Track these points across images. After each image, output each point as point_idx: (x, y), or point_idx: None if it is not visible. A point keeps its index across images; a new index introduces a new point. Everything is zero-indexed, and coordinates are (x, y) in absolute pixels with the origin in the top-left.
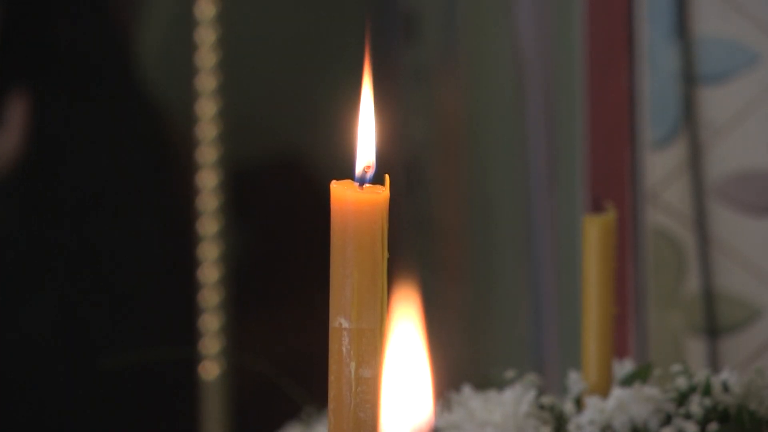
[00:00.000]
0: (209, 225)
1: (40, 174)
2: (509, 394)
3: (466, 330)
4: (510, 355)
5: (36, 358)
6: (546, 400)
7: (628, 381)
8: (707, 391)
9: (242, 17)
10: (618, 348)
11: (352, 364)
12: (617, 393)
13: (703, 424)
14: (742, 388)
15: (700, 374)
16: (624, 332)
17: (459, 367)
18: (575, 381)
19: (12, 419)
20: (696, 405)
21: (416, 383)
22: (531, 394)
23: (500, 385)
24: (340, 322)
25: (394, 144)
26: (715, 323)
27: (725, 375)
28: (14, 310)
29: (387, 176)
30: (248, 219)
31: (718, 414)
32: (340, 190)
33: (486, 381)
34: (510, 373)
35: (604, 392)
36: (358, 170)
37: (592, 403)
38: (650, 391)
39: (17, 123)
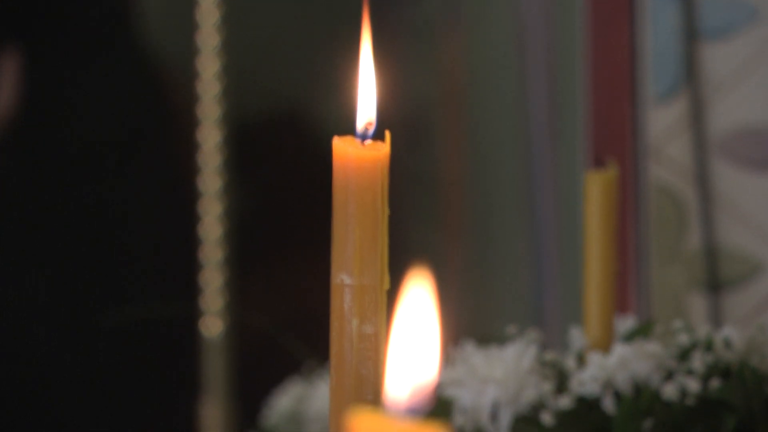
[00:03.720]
0: (211, 182)
1: (38, 132)
2: (511, 351)
3: (467, 286)
4: (511, 311)
5: (36, 316)
6: (547, 356)
7: (629, 337)
8: (709, 347)
9: None
10: (619, 304)
11: (354, 321)
12: (619, 349)
13: (704, 380)
14: (744, 345)
15: (701, 329)
16: (625, 288)
17: (460, 323)
18: (576, 337)
19: (12, 377)
20: (698, 361)
21: (421, 340)
22: (532, 351)
23: (502, 340)
24: (341, 278)
25: (395, 100)
26: (716, 279)
27: (727, 331)
28: (14, 268)
29: (388, 133)
30: (250, 176)
31: (719, 370)
32: (341, 147)
33: (487, 336)
34: (511, 329)
35: (605, 348)
36: (360, 127)
37: (594, 359)
38: (652, 347)
39: (10, 81)
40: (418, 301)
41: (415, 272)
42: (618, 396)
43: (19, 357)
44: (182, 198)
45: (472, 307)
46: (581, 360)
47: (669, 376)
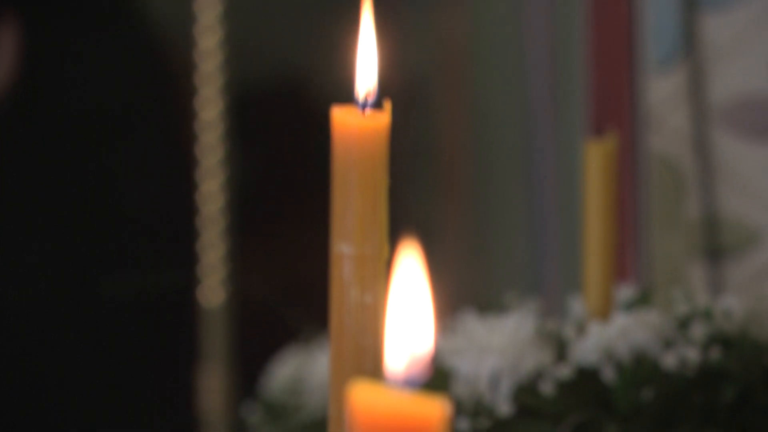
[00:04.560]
0: (211, 151)
1: (38, 101)
2: (510, 320)
3: (466, 254)
4: (510, 279)
5: (35, 283)
6: (547, 325)
7: (629, 307)
8: (708, 316)
9: None
10: (618, 272)
11: (354, 291)
12: (619, 319)
13: (704, 350)
14: (743, 315)
15: (701, 299)
16: (624, 256)
17: (460, 290)
18: (576, 305)
19: (11, 344)
20: (697, 331)
21: (415, 310)
22: (532, 320)
23: (501, 308)
24: (341, 248)
25: (395, 69)
26: (715, 248)
27: (726, 301)
28: (14, 234)
29: (388, 102)
30: (250, 145)
31: (719, 340)
32: (341, 116)
33: (487, 304)
34: (510, 296)
35: (605, 317)
36: (360, 96)
37: (594, 329)
38: (652, 317)
39: (9, 50)
40: (409, 271)
41: (405, 242)
42: (618, 366)
43: (17, 325)
44: (182, 168)
45: (472, 275)
46: (581, 329)
47: (668, 345)
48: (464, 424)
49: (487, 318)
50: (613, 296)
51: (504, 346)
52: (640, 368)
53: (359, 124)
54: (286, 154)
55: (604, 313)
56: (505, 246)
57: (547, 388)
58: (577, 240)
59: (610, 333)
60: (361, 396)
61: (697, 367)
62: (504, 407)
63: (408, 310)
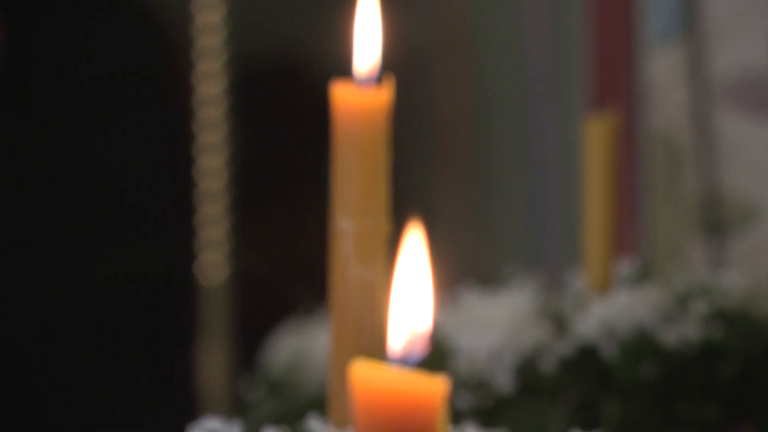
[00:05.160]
0: (212, 130)
1: (36, 80)
2: (510, 296)
3: (467, 228)
4: (510, 253)
5: (32, 262)
6: (546, 300)
7: (629, 283)
8: (708, 293)
9: None
10: (617, 247)
11: (355, 268)
12: (621, 296)
13: (704, 327)
14: (743, 291)
15: (701, 275)
16: (624, 232)
17: (460, 263)
18: (576, 280)
19: (8, 322)
20: (697, 308)
21: (419, 286)
22: (532, 296)
23: (501, 282)
24: (342, 225)
25: (396, 45)
26: (716, 224)
27: (726, 277)
28: (10, 215)
29: (389, 78)
30: (251, 123)
31: (719, 317)
32: (342, 93)
33: (487, 278)
34: (509, 270)
35: (605, 292)
36: (361, 72)
37: (595, 306)
38: (653, 294)
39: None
40: (413, 251)
41: (411, 223)
42: (618, 343)
43: (13, 304)
44: (183, 146)
45: (472, 250)
46: (581, 304)
47: (669, 322)
48: (464, 401)
49: (486, 293)
50: (614, 271)
51: (504, 323)
52: (641, 345)
53: (360, 101)
54: (288, 130)
55: (605, 288)
56: (505, 221)
57: (547, 366)
58: (577, 215)
59: (611, 310)
60: (361, 373)
61: (698, 344)
62: (504, 384)
63: (409, 288)
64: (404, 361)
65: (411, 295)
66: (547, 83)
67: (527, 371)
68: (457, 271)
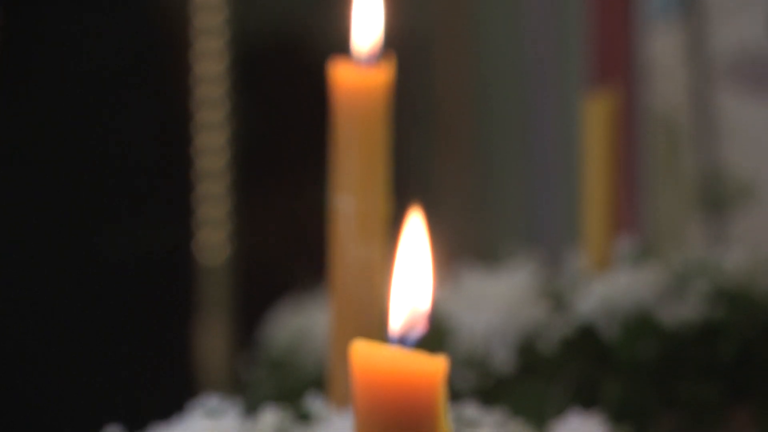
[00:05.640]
0: (211, 108)
1: (37, 62)
2: (509, 274)
3: (466, 204)
4: (510, 231)
5: (32, 240)
6: (546, 279)
7: (629, 262)
8: (707, 272)
9: None
10: (617, 225)
11: (354, 247)
12: (619, 275)
13: (705, 305)
14: (744, 270)
15: (701, 253)
16: (623, 210)
17: (460, 241)
18: (576, 259)
19: (7, 300)
20: (698, 287)
21: (419, 266)
22: (531, 274)
23: (500, 260)
24: (342, 203)
25: (396, 25)
26: (714, 202)
27: (727, 256)
28: (12, 195)
29: (390, 58)
30: (252, 103)
31: (719, 296)
32: (342, 73)
33: (486, 255)
34: (510, 249)
35: (605, 269)
36: (363, 53)
37: (594, 285)
38: (652, 272)
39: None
40: (413, 230)
41: (411, 202)
42: (618, 322)
43: (13, 282)
44: (183, 125)
45: (472, 229)
46: (580, 283)
47: (669, 301)
48: (464, 380)
49: (486, 272)
50: (613, 250)
51: (503, 302)
52: (641, 324)
53: (360, 79)
54: (289, 109)
55: (604, 266)
56: (505, 200)
57: (546, 345)
58: (576, 194)
59: (611, 289)
60: (361, 353)
61: (698, 323)
62: (504, 363)
63: (409, 267)
64: (404, 341)
65: (411, 274)
66: (546, 63)
67: (527, 350)
68: (457, 249)
